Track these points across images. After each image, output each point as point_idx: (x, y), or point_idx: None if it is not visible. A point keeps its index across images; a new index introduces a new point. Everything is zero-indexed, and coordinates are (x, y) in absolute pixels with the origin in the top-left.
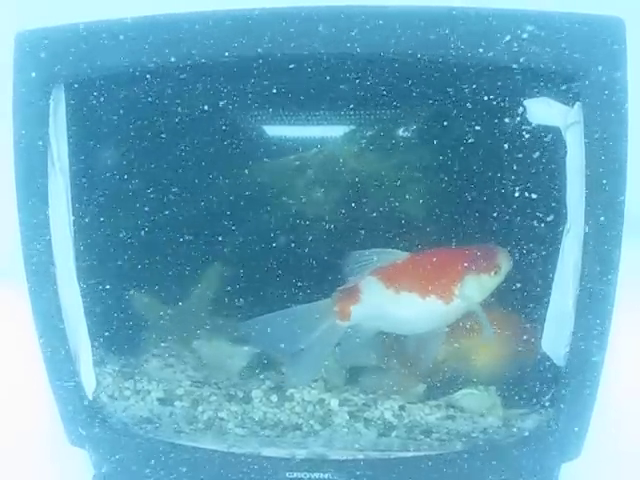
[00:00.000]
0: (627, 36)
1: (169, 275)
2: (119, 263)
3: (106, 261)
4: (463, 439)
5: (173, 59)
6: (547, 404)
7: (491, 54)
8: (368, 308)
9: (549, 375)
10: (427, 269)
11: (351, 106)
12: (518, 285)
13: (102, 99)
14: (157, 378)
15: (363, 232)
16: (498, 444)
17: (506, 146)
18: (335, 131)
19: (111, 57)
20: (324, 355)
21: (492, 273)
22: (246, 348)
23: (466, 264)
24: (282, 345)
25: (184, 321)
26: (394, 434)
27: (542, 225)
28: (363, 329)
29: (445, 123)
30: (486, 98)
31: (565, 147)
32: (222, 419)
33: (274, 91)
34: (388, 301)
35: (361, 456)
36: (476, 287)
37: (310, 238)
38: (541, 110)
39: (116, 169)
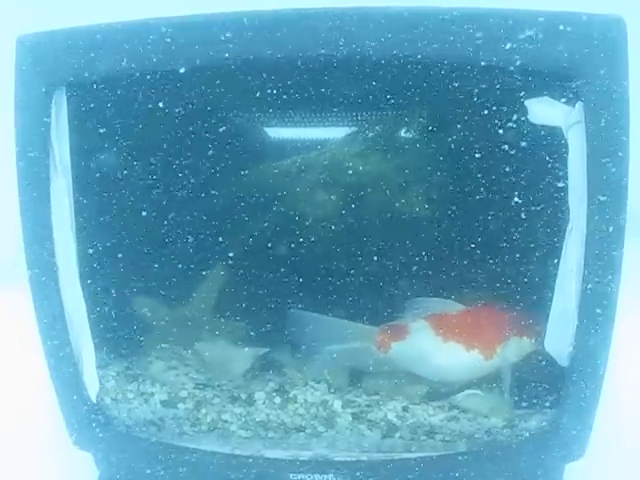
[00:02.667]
0: (628, 35)
1: (172, 277)
2: (122, 265)
3: (109, 264)
4: (467, 440)
5: (174, 61)
6: (551, 404)
7: (492, 54)
8: (409, 349)
9: (552, 375)
10: (477, 324)
11: (353, 107)
12: (521, 285)
13: (104, 102)
14: (160, 380)
15: (364, 234)
16: (501, 444)
17: (507, 146)
18: (337, 132)
19: (112, 60)
20: (341, 364)
21: (534, 339)
22: (249, 350)
23: (514, 325)
24: (313, 345)
25: (187, 323)
26: (398, 435)
27: (544, 225)
28: (392, 363)
29: (446, 124)
30: (487, 98)
31: (567, 147)
32: (225, 421)
33: (276, 93)
34: (433, 347)
35: (365, 457)
36: (516, 349)
37: (312, 240)
38: (542, 110)
39: (118, 172)
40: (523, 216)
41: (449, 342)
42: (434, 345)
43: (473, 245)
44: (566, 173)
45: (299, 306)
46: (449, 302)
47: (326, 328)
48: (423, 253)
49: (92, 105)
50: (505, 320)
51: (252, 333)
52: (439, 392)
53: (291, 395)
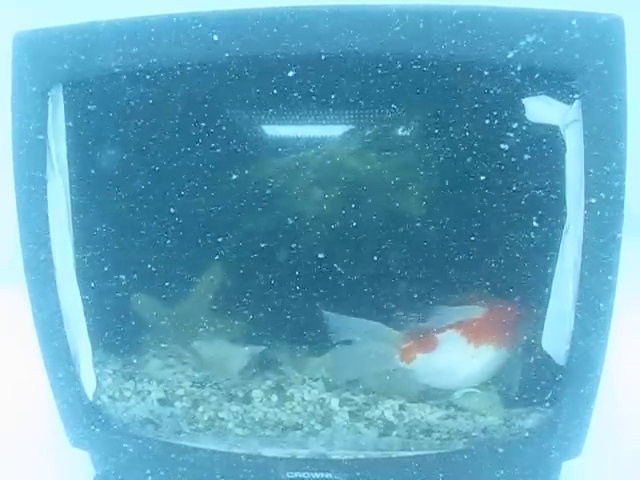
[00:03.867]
0: (626, 34)
1: (169, 275)
2: (119, 264)
3: (106, 262)
4: (464, 438)
5: (172, 59)
6: (548, 403)
7: (489, 53)
8: (436, 361)
9: (549, 374)
10: (501, 323)
11: (350, 106)
12: (518, 284)
13: (101, 99)
14: (157, 378)
15: (362, 233)
16: (499, 443)
17: (505, 145)
18: (334, 131)
19: (110, 57)
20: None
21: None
22: (246, 348)
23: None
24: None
25: (184, 321)
26: (395, 433)
27: (542, 224)
28: (412, 375)
29: (443, 122)
30: (485, 97)
31: (564, 145)
32: (222, 419)
33: (273, 91)
34: (465, 356)
35: (362, 456)
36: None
37: (309, 239)
38: (540, 108)
39: (115, 170)
40: (520, 215)
41: (481, 346)
42: (467, 353)
43: (470, 245)
44: (563, 172)
45: (303, 304)
46: (471, 307)
47: (351, 326)
48: (419, 252)
49: (89, 103)
50: (520, 316)
51: (249, 331)
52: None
53: (288, 393)
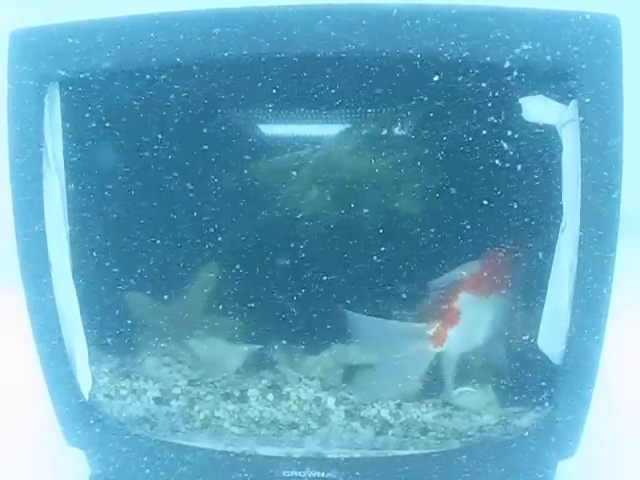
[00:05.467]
0: (623, 34)
1: (165, 274)
2: (115, 262)
3: (102, 260)
4: (460, 437)
5: (169, 58)
6: (543, 402)
7: (486, 52)
8: (465, 328)
9: (545, 373)
10: (499, 268)
11: (346, 104)
12: (514, 283)
13: (97, 98)
14: (153, 377)
15: (358, 231)
16: (495, 442)
17: (501, 144)
18: (331, 130)
19: (106, 56)
20: (403, 377)
21: None
22: (242, 347)
23: None
24: (371, 349)
25: (180, 320)
26: (391, 432)
27: (538, 223)
28: (449, 355)
29: (440, 122)
30: (481, 96)
31: (561, 145)
32: (218, 418)
33: (270, 90)
34: (485, 310)
35: (358, 455)
36: None
37: (305, 237)
38: (536, 108)
39: (112, 168)
40: (516, 214)
41: (491, 296)
42: (484, 307)
43: (466, 244)
44: (560, 171)
45: (299, 303)
46: (468, 264)
47: (376, 332)
48: (415, 251)
49: (86, 101)
50: (512, 256)
51: (245, 330)
52: (432, 389)
53: (284, 392)
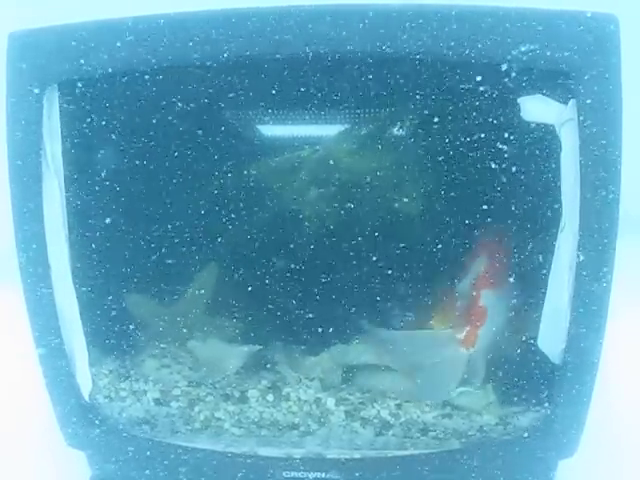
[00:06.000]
0: (622, 33)
1: (165, 275)
2: (114, 264)
3: (101, 262)
4: (460, 437)
5: (168, 59)
6: (543, 402)
7: (485, 52)
8: (491, 324)
9: (545, 372)
10: (495, 254)
11: (345, 105)
12: (514, 283)
13: (96, 99)
14: (153, 378)
15: (358, 232)
16: (495, 442)
17: (500, 144)
18: (330, 130)
19: (105, 57)
20: (445, 381)
21: None
22: (242, 348)
23: None
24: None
25: (180, 321)
26: (391, 433)
27: (537, 222)
28: (480, 353)
29: (439, 121)
30: (480, 96)
31: (560, 144)
32: (218, 419)
33: (269, 90)
34: (503, 302)
35: (358, 455)
36: None
37: (305, 237)
38: (535, 108)
39: (110, 170)
40: (515, 214)
41: (504, 287)
42: (503, 299)
43: (465, 244)
44: (559, 171)
45: (298, 304)
46: (476, 262)
47: (407, 341)
48: (414, 251)
49: (85, 102)
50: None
51: (245, 331)
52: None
53: (284, 393)
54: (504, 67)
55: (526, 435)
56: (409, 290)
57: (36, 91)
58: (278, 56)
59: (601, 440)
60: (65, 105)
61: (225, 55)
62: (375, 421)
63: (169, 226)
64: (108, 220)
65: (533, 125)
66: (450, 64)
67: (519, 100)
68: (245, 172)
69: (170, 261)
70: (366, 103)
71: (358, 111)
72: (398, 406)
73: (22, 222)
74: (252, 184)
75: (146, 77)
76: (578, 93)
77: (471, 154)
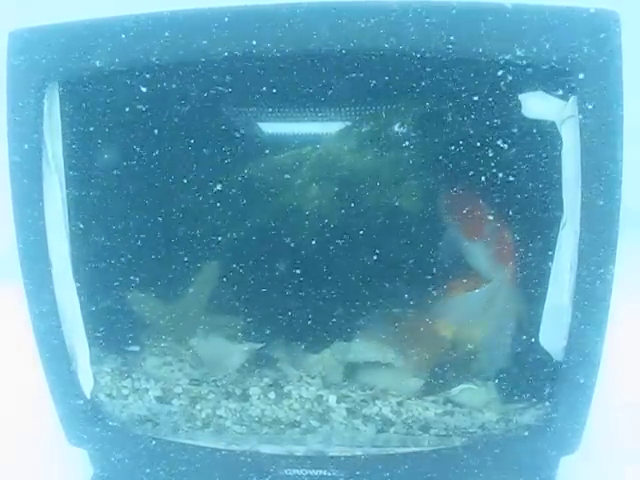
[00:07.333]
0: (622, 30)
1: (166, 273)
2: (116, 261)
3: (102, 259)
4: (461, 435)
5: (168, 57)
6: (545, 398)
7: (486, 49)
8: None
9: (547, 369)
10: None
11: (347, 102)
12: (515, 280)
13: (96, 97)
14: (155, 376)
15: (359, 229)
16: (496, 439)
17: (502, 141)
18: (331, 128)
19: (105, 55)
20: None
21: None
22: (244, 346)
23: None
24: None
25: (181, 319)
26: (392, 430)
27: (538, 219)
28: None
29: (440, 119)
30: (482, 93)
31: (561, 141)
32: (220, 417)
33: (270, 88)
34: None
35: (359, 452)
36: None
37: (306, 235)
38: (536, 104)
39: (111, 167)
40: (517, 210)
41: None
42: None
43: (467, 239)
44: (560, 167)
45: (300, 302)
46: (450, 233)
47: None
48: (415, 249)
49: (85, 100)
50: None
51: (247, 329)
52: (434, 386)
53: (286, 390)
54: (505, 64)
55: (528, 432)
56: (409, 287)
57: (37, 89)
58: (279, 54)
59: (603, 437)
60: (65, 103)
61: (226, 53)
62: (377, 418)
63: (170, 224)
64: (109, 218)
65: (534, 122)
66: (451, 61)
67: (520, 97)
68: (246, 170)
69: (171, 259)
70: (367, 101)
71: (359, 109)
72: (400, 403)
73: (23, 220)
74: (253, 182)
75: (147, 75)
76: (579, 90)
77: (472, 151)
